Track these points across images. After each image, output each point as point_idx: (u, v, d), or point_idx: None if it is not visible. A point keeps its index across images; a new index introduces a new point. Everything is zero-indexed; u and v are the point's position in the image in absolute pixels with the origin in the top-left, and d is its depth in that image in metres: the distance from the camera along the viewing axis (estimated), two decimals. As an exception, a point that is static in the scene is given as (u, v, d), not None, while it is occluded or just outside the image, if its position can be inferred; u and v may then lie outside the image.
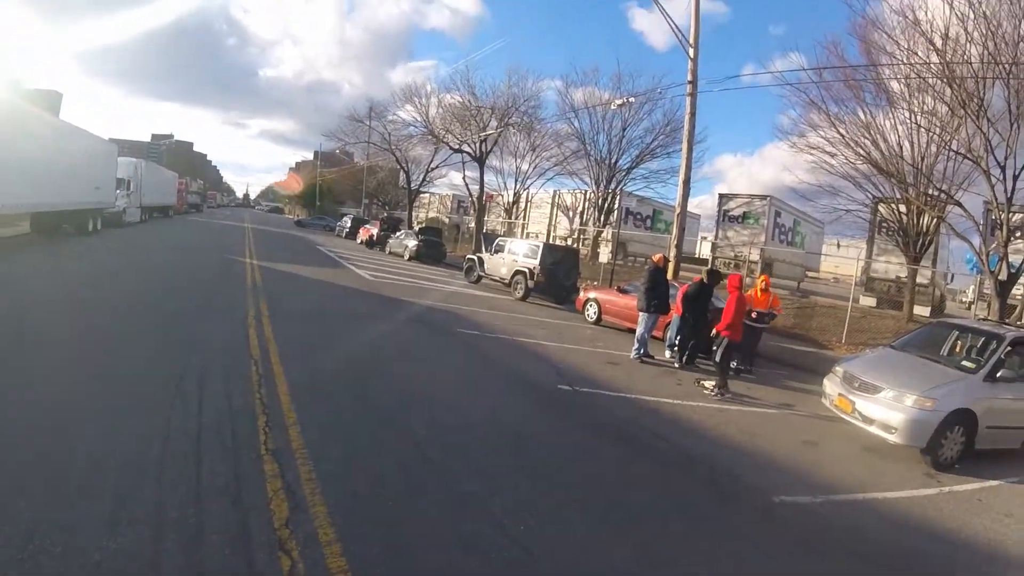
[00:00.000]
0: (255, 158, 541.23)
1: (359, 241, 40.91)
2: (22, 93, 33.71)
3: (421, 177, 48.12)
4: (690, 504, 5.53)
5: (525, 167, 41.77)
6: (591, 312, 15.85)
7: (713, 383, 9.88)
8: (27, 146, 17.32)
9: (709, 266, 18.38)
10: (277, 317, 10.81)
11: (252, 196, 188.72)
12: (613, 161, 36.72)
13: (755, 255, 24.85)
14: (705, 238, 40.68)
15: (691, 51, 17.69)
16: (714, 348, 10.19)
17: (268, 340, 9.03)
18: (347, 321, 12.47)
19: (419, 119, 42.55)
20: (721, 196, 29.99)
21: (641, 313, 11.89)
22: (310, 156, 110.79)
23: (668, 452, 6.86)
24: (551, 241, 35.79)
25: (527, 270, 19.24)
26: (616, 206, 36.63)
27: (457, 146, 40.37)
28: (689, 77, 17.93)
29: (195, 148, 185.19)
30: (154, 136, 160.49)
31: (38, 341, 7.59)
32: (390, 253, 33.56)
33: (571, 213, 40.64)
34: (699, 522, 5.18)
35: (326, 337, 10.37)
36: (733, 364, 11.17)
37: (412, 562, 3.91)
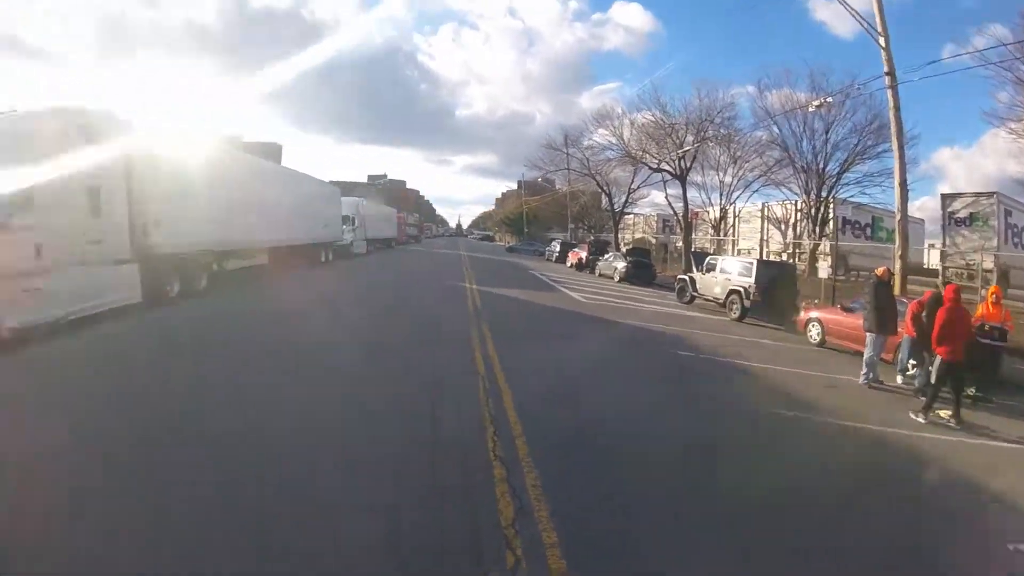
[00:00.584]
0: (463, 191, 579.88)
1: (568, 264, 42.35)
2: (245, 146, 38.94)
3: (623, 199, 48.57)
4: (923, 547, 5.20)
5: (728, 180, 40.54)
6: (814, 333, 15.40)
7: (948, 412, 8.98)
8: (261, 191, 21.30)
9: (940, 277, 17.11)
10: (499, 337, 12.00)
11: (464, 226, 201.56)
12: (820, 167, 34.83)
13: (988, 262, 22.23)
14: (932, 245, 36.45)
15: (881, 39, 16.79)
16: (929, 368, 9.54)
17: (492, 358, 10.09)
18: (564, 341, 13.42)
19: (614, 141, 43.27)
20: (943, 196, 26.93)
21: (868, 334, 11.27)
22: (514, 185, 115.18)
23: (895, 488, 6.53)
24: (764, 257, 34.93)
25: (742, 289, 19.16)
26: (831, 215, 34.67)
27: (656, 165, 40.51)
28: (885, 68, 17.00)
29: (408, 185, 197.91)
30: (370, 176, 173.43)
31: (277, 357, 9.63)
32: (600, 275, 34.63)
33: (783, 226, 38.85)
34: (935, 570, 4.89)
35: (546, 355, 11.23)
36: (971, 391, 10.14)
37: (629, 570, 4.13)
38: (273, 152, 67.83)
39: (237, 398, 7.41)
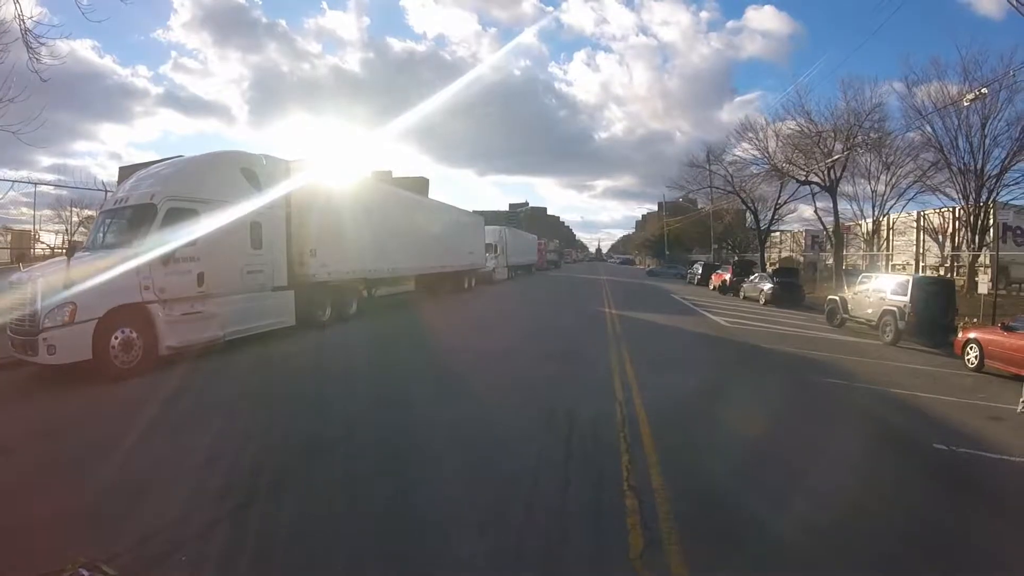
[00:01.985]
0: (603, 215, 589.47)
1: (711, 287, 41.90)
2: (395, 181, 41.68)
3: (770, 215, 47.41)
4: None
5: (881, 189, 38.38)
6: (972, 356, 14.36)
7: None
8: (409, 223, 22.97)
9: None
10: (638, 363, 12.21)
11: (604, 250, 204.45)
12: (979, 167, 31.60)
13: None
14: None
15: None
16: None
17: (631, 383, 10.26)
18: (705, 367, 13.18)
19: (758, 155, 42.62)
20: None
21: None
22: (654, 207, 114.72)
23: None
24: (921, 272, 32.75)
25: (896, 309, 18.26)
26: (990, 222, 31.63)
27: (803, 177, 39.37)
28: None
29: (548, 212, 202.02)
30: (511, 205, 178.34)
31: (416, 378, 10.41)
32: (744, 298, 34.03)
33: (940, 237, 36.09)
34: None
35: (685, 382, 11.08)
36: None
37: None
38: (420, 186, 72.04)
39: (368, 416, 8.07)
